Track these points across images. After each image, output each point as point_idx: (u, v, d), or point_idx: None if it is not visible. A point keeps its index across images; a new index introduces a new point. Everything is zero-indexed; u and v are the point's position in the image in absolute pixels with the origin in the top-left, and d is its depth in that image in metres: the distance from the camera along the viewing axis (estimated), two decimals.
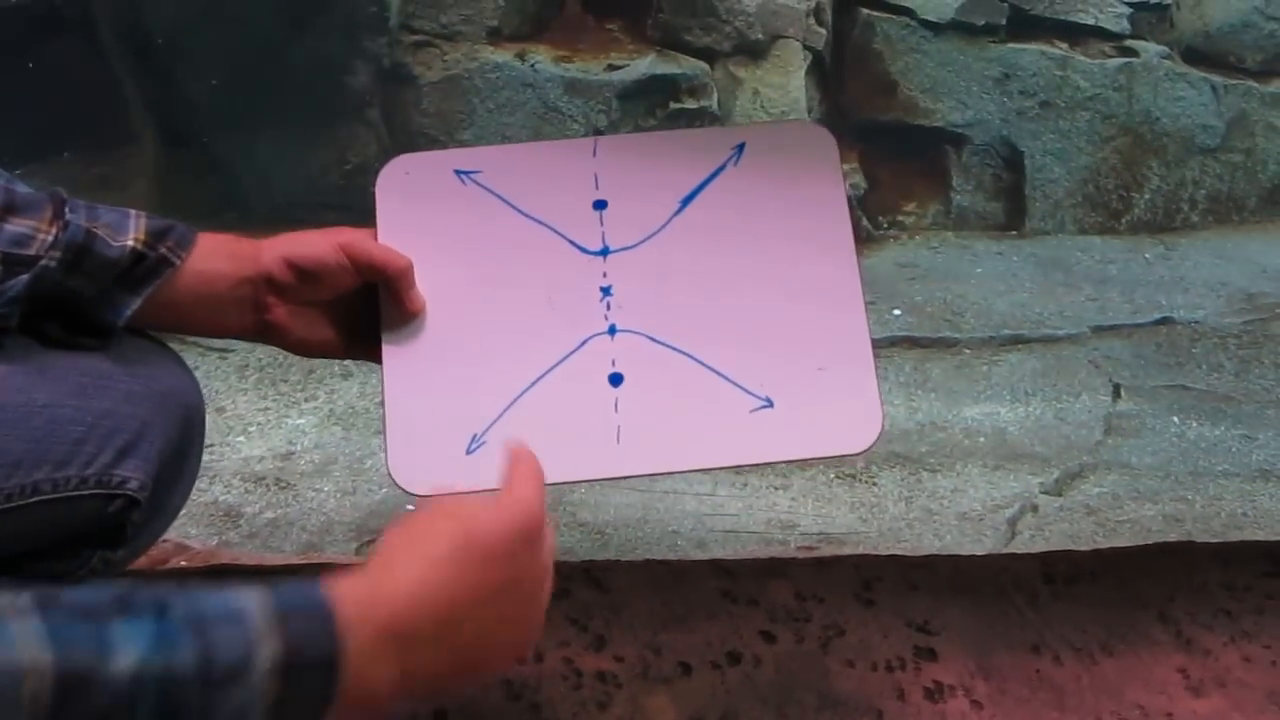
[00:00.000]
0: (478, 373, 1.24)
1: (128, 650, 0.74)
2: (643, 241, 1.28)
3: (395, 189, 1.32)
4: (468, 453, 1.22)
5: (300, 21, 4.23)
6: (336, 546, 2.69)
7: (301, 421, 3.27)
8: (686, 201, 1.29)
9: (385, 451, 1.23)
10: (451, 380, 1.24)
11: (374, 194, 1.31)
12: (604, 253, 1.28)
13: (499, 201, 1.29)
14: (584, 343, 1.25)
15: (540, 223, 1.29)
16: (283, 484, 2.98)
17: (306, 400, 3.31)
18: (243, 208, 4.34)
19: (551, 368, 1.24)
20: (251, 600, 0.81)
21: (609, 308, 1.26)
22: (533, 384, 1.24)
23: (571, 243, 1.28)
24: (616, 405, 1.23)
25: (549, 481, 1.10)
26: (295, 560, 2.44)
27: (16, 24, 4.73)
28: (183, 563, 2.33)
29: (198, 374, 1.28)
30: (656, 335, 1.25)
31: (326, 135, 4.38)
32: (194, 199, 4.38)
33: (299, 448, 3.17)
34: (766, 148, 1.32)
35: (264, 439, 3.20)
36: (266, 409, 3.31)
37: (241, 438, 3.18)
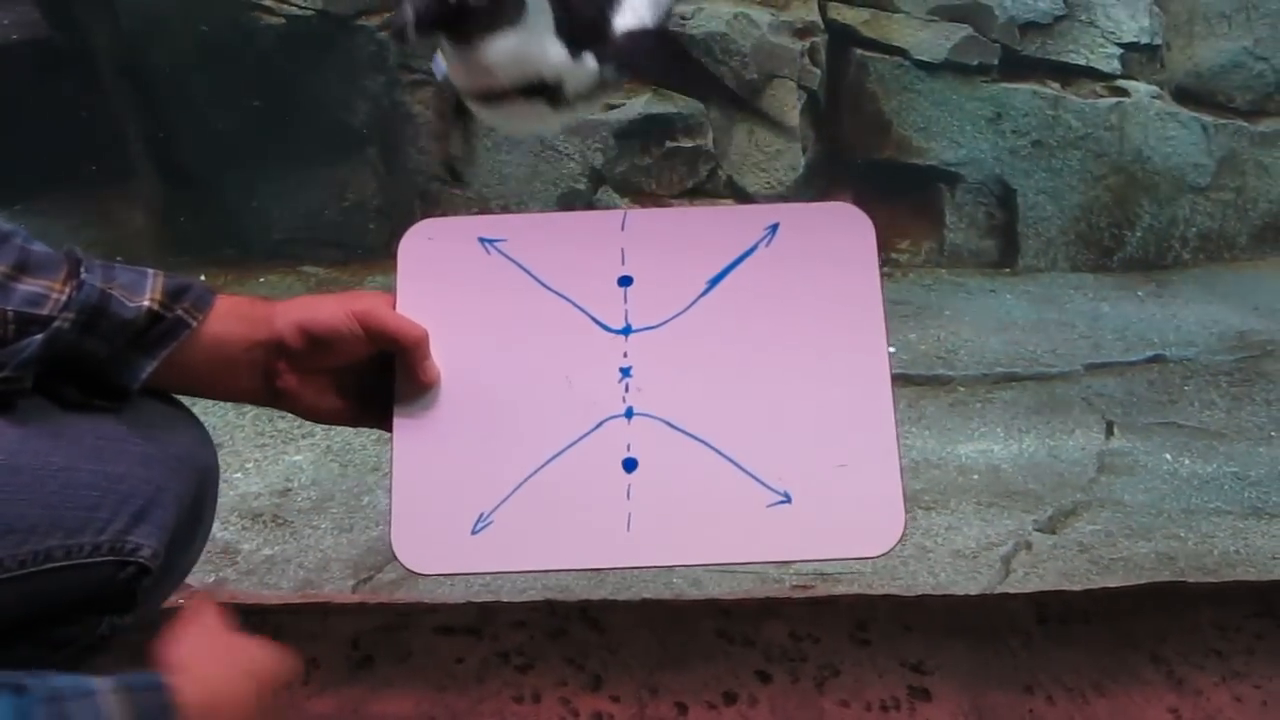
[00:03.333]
0: (489, 450, 1.21)
1: None
2: (666, 322, 1.24)
3: (417, 254, 1.27)
4: (473, 533, 1.19)
5: (300, 60, 4.27)
6: (334, 584, 2.70)
7: (299, 458, 3.28)
8: (715, 282, 1.25)
9: (390, 527, 1.20)
10: (462, 456, 1.21)
11: (396, 258, 1.27)
12: (626, 331, 1.24)
13: (522, 273, 1.25)
14: (600, 425, 1.21)
15: (563, 297, 1.25)
16: (280, 521, 2.99)
17: (304, 437, 3.32)
18: (241, 244, 4.36)
19: (565, 449, 1.20)
20: (100, 680, 0.90)
21: (627, 389, 1.22)
22: (544, 464, 1.20)
23: (594, 320, 1.24)
24: (629, 492, 1.19)
25: (555, 568, 1.13)
26: (293, 598, 2.44)
27: (18, 60, 4.76)
28: (180, 601, 2.33)
29: (195, 409, 1.27)
30: (675, 421, 1.21)
31: (325, 173, 4.41)
32: (193, 235, 4.40)
33: (296, 484, 3.18)
34: (801, 229, 1.27)
35: (261, 475, 3.21)
36: (264, 445, 3.32)
37: (239, 474, 3.19)
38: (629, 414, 1.21)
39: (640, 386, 1.22)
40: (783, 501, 1.19)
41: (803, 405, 1.21)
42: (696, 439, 1.21)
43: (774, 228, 1.27)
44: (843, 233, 1.28)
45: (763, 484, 1.19)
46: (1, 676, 0.85)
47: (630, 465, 1.20)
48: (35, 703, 0.85)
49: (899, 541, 1.18)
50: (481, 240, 1.28)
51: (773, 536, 1.18)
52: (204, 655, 1.04)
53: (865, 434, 1.20)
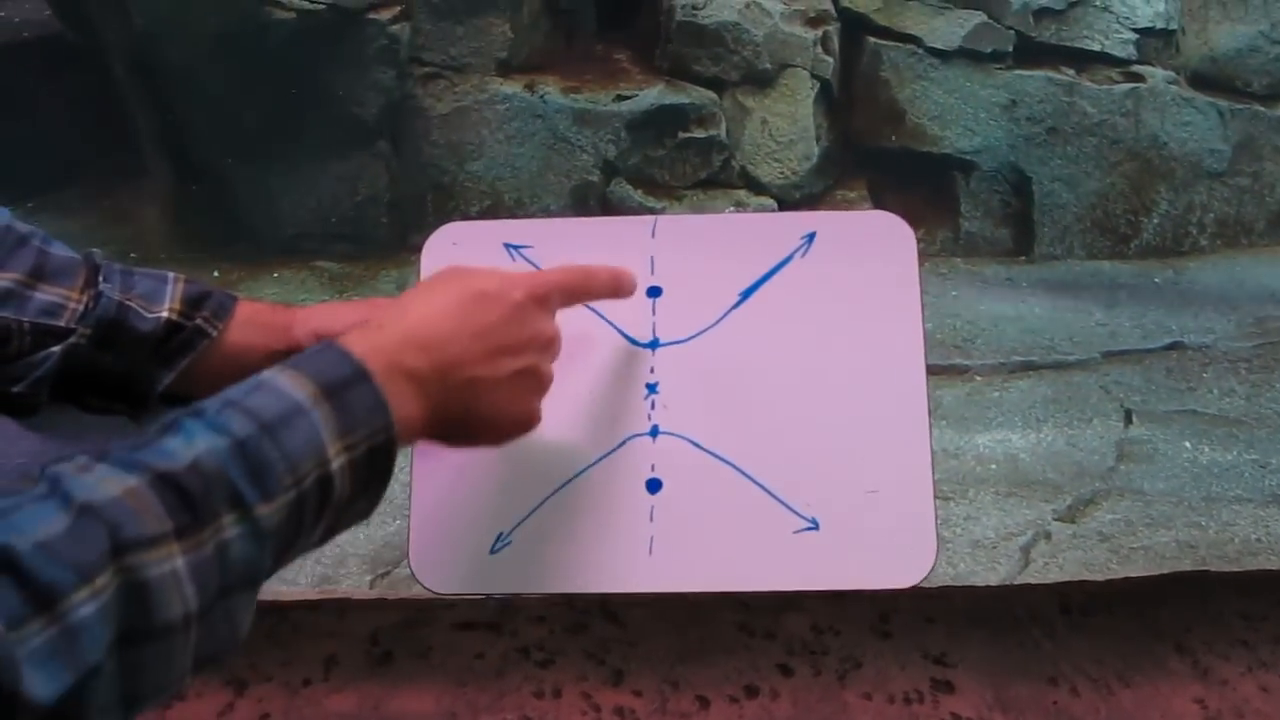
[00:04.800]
0: (509, 468, 1.16)
1: (190, 445, 0.80)
2: (695, 336, 1.19)
3: (440, 260, 1.22)
4: (492, 552, 1.16)
5: (311, 55, 4.26)
6: (351, 579, 2.69)
7: None
8: (747, 294, 1.20)
9: (409, 544, 1.17)
10: (481, 473, 1.17)
11: (411, 253, 1.26)
12: (653, 345, 1.19)
13: None
14: (624, 443, 1.17)
15: (589, 308, 1.19)
16: None
17: None
18: (254, 239, 4.36)
19: (587, 467, 1.16)
20: (264, 371, 0.88)
21: (653, 406, 1.17)
22: (566, 483, 1.17)
23: (620, 332, 1.20)
24: (652, 514, 1.15)
25: (573, 591, 1.10)
26: (311, 594, 2.43)
27: (31, 58, 4.78)
28: None
29: None
30: (701, 441, 1.16)
31: (337, 167, 4.40)
32: (205, 230, 4.40)
33: None
34: (838, 238, 1.21)
35: None
36: None
37: None
38: (654, 432, 1.17)
39: (666, 404, 1.18)
40: (810, 528, 1.15)
41: (834, 426, 1.16)
42: (723, 460, 1.17)
43: (811, 236, 1.21)
44: (882, 244, 1.21)
45: (790, 509, 1.15)
46: (177, 413, 0.83)
47: (654, 486, 1.16)
48: (218, 412, 0.83)
49: (930, 571, 1.13)
50: (507, 246, 1.24)
51: (798, 564, 1.14)
52: (411, 292, 1.02)
53: (898, 458, 1.15)
